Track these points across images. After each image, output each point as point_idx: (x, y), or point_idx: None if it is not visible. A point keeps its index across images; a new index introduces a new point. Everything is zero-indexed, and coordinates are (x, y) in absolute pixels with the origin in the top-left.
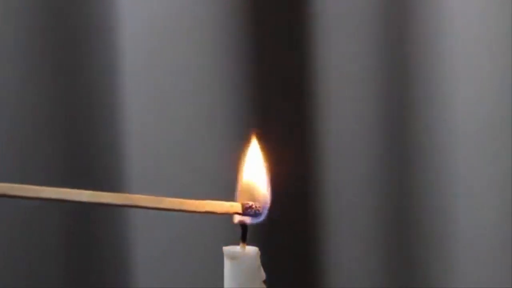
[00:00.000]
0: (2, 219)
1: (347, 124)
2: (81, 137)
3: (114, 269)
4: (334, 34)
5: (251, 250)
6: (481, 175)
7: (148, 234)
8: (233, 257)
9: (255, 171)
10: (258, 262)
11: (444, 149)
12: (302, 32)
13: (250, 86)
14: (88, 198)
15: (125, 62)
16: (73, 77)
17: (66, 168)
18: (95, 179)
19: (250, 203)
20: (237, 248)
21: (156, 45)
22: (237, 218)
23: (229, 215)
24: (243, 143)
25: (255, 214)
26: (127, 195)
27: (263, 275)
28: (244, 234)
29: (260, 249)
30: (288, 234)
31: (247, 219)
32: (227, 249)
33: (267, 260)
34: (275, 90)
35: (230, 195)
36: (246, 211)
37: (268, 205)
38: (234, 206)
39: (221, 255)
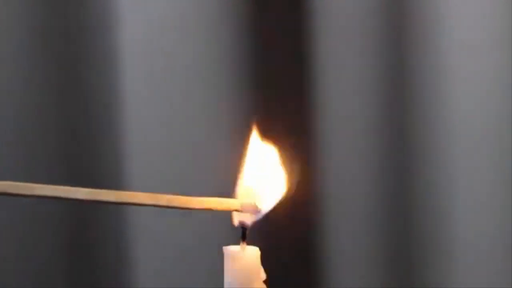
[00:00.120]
0: (2, 219)
1: (347, 124)
2: (81, 132)
3: (114, 269)
4: (334, 33)
5: (251, 250)
6: (481, 175)
7: (148, 234)
8: (233, 257)
9: (256, 168)
10: (258, 262)
11: (444, 149)
12: (303, 25)
13: (251, 84)
14: (84, 196)
15: (125, 58)
16: (73, 72)
17: (67, 167)
18: (95, 177)
19: (249, 201)
20: (237, 248)
21: (156, 41)
22: (236, 218)
23: (229, 215)
24: (245, 140)
25: (254, 211)
26: (124, 192)
27: (263, 275)
28: (244, 234)
29: (260, 249)
30: (288, 234)
31: (247, 217)
32: (227, 249)
33: (267, 260)
34: (276, 88)
35: (232, 192)
36: (245, 208)
37: (268, 203)
38: (233, 204)
39: (221, 255)
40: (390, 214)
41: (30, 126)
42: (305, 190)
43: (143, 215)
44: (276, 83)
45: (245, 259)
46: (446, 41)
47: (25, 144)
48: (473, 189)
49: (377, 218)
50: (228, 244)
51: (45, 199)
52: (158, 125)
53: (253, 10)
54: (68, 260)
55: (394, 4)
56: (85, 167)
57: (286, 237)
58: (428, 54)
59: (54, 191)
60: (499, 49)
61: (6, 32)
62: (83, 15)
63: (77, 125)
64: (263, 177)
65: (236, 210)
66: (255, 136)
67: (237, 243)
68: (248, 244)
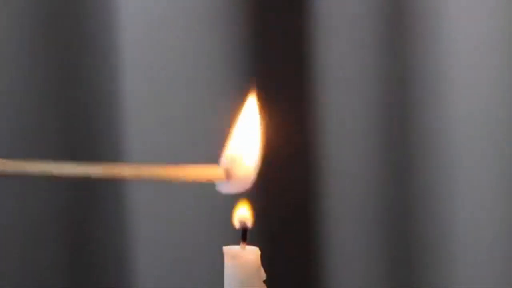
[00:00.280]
0: (2, 219)
1: (347, 124)
2: (78, 101)
3: (114, 269)
4: (334, 31)
5: (251, 250)
6: (481, 175)
7: (148, 234)
8: (233, 257)
9: (246, 135)
10: (258, 262)
11: (444, 149)
12: (303, 23)
13: (251, 83)
14: (57, 170)
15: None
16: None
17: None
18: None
19: (234, 168)
20: (237, 248)
21: (156, 32)
22: (222, 188)
23: (229, 216)
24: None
25: (238, 181)
26: (107, 165)
27: (263, 275)
28: (244, 234)
29: (260, 249)
30: (288, 234)
31: (232, 186)
32: (227, 249)
33: (267, 260)
34: (276, 87)
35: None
36: (229, 177)
37: (254, 173)
38: (216, 171)
39: (221, 255)
40: (391, 215)
41: (31, 121)
42: (305, 190)
43: (143, 215)
44: (276, 82)
45: (245, 259)
46: (447, 40)
47: (26, 140)
48: (473, 189)
49: (377, 219)
50: (228, 244)
51: (30, 176)
52: (159, 125)
53: (253, 8)
54: (68, 261)
55: (395, 4)
56: (83, 142)
57: (286, 237)
58: (428, 54)
59: (18, 167)
60: (501, 49)
61: (6, 31)
62: (83, 11)
63: (75, 97)
64: (248, 146)
65: (220, 179)
66: (250, 106)
67: (237, 243)
68: (248, 244)
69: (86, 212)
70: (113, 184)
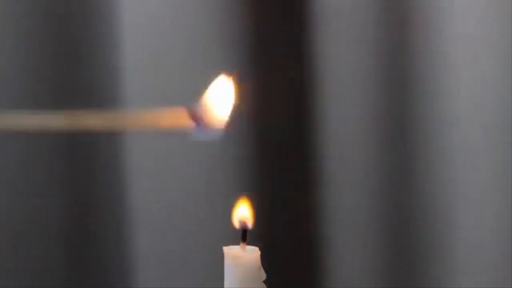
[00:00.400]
0: (2, 218)
1: (346, 125)
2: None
3: (114, 269)
4: (334, 30)
5: (251, 250)
6: (481, 176)
7: (148, 233)
8: (233, 257)
9: (220, 93)
10: (258, 262)
11: (444, 149)
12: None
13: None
14: (33, 121)
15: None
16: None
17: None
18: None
19: (197, 110)
20: (237, 248)
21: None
22: (191, 131)
23: (229, 216)
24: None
25: (202, 124)
26: (74, 115)
27: (263, 275)
28: (244, 234)
29: (260, 249)
30: (288, 234)
31: (202, 129)
32: (227, 249)
33: (267, 260)
34: (275, 85)
35: None
36: (193, 118)
37: (220, 119)
38: (180, 112)
39: (221, 255)
40: (391, 215)
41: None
42: (305, 190)
43: (143, 214)
44: (275, 82)
45: (245, 259)
46: (448, 38)
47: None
48: (474, 189)
49: (378, 219)
50: (228, 244)
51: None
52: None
53: (253, 7)
54: (67, 259)
55: (395, 4)
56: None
57: (286, 237)
58: (429, 52)
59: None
60: (501, 46)
61: (7, 31)
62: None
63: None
64: (222, 100)
65: (187, 122)
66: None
67: (237, 243)
68: (248, 244)
69: (86, 212)
70: (113, 184)
